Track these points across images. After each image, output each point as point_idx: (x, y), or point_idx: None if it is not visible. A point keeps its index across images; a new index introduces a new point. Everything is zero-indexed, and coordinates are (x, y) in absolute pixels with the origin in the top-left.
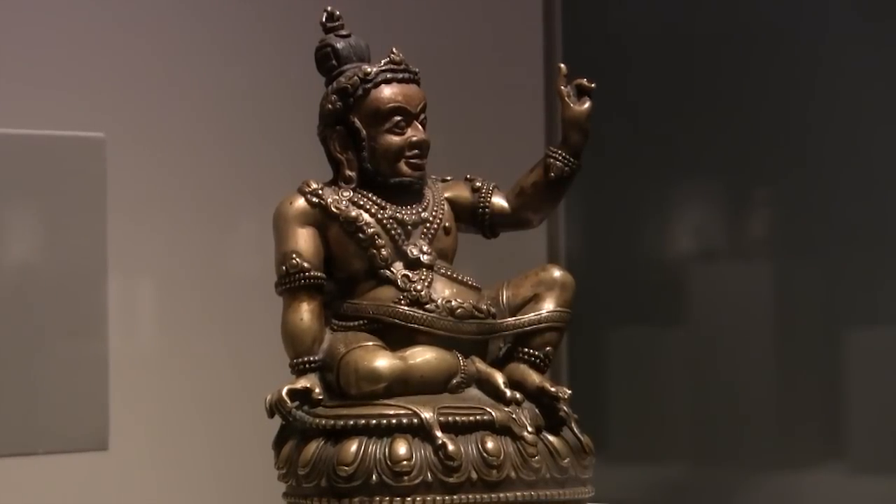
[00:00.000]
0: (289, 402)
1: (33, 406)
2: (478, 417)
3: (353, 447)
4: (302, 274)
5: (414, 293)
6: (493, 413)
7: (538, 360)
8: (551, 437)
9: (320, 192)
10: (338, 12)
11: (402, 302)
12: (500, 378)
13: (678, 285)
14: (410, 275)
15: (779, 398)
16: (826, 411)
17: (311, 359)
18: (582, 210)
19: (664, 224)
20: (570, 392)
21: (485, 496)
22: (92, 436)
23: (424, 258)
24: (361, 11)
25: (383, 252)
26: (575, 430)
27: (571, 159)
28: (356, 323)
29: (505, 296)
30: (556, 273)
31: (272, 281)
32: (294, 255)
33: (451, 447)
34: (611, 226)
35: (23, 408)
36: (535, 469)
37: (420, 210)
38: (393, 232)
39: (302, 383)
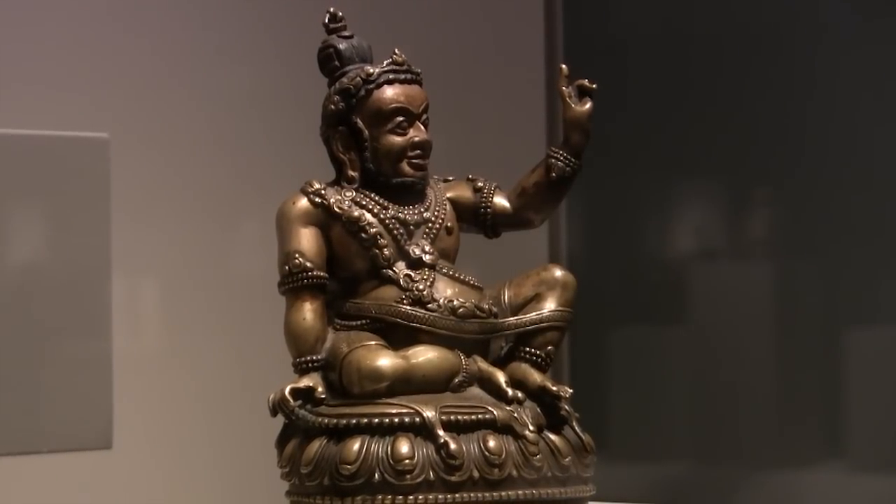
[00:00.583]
0: (292, 401)
1: (37, 405)
2: (480, 416)
3: (356, 446)
4: (305, 274)
5: (416, 293)
6: (495, 412)
7: (540, 360)
8: (553, 436)
9: (323, 192)
10: (340, 13)
11: (405, 301)
12: (501, 377)
13: (679, 285)
14: (413, 274)
15: (779, 398)
16: (826, 410)
17: (314, 358)
18: (583, 210)
19: (665, 224)
20: (571, 391)
21: (486, 495)
22: (96, 435)
23: (426, 258)
24: (364, 12)
25: (385, 252)
26: (576, 428)
27: (573, 160)
28: (359, 322)
29: (506, 295)
30: (558, 273)
31: (275, 280)
32: (297, 255)
33: (453, 446)
34: (612, 226)
35: (27, 407)
36: (537, 468)
37: (422, 210)
38: (395, 232)
39: (305, 382)
